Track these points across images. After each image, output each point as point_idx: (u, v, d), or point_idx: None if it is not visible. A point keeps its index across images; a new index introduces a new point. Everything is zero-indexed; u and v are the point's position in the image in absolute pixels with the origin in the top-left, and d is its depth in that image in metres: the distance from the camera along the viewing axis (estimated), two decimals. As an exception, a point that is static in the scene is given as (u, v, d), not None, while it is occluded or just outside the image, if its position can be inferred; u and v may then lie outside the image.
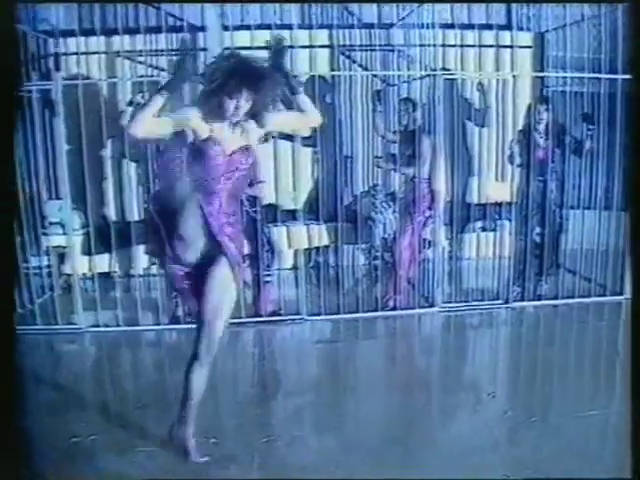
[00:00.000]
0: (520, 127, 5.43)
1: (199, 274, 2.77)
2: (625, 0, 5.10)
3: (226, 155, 2.70)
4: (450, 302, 5.32)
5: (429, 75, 5.29)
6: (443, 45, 6.01)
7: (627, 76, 5.15)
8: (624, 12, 5.15)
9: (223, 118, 2.67)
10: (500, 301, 5.35)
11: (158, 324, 4.96)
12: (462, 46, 5.99)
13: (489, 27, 5.96)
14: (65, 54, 5.54)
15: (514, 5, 6.42)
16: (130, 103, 4.94)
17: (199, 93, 2.71)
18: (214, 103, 2.63)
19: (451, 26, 5.95)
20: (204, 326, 2.79)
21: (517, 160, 5.32)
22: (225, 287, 2.77)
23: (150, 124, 2.61)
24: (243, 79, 2.57)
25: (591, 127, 5.23)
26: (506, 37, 6.09)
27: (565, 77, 5.82)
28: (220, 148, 2.68)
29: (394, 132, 5.54)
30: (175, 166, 2.78)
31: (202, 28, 6.03)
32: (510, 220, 5.57)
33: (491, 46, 6.08)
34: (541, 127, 5.27)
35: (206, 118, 2.67)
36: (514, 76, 5.54)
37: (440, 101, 5.16)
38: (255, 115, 2.72)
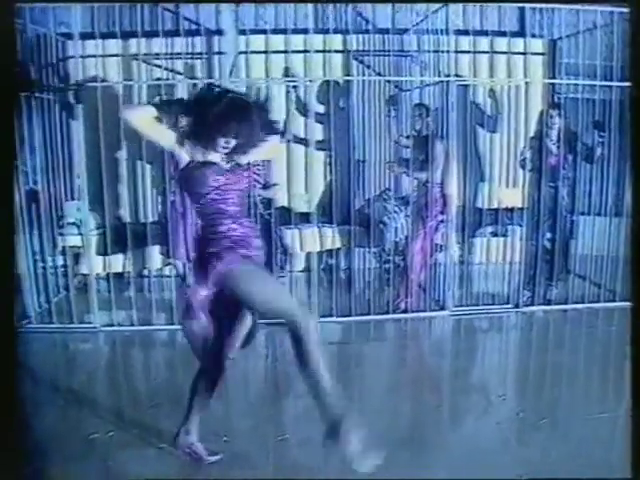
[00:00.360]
0: (532, 133, 5.49)
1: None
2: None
3: (222, 173, 2.75)
4: (461, 306, 5.38)
5: (442, 81, 5.34)
6: (456, 51, 6.09)
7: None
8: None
9: (212, 150, 2.73)
10: (510, 305, 5.40)
11: (172, 324, 5.02)
12: (475, 52, 6.04)
13: (502, 34, 5.99)
14: (83, 57, 5.60)
15: (527, 12, 6.53)
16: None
17: (187, 124, 2.75)
18: (204, 137, 2.69)
19: (464, 32, 6.02)
20: (218, 348, 2.83)
21: (529, 166, 5.37)
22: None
23: (144, 119, 2.67)
24: (234, 119, 2.65)
25: (602, 134, 5.28)
26: (519, 44, 6.18)
27: (577, 84, 5.83)
28: (215, 168, 2.74)
29: (407, 137, 5.60)
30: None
31: (218, 32, 6.14)
32: (521, 225, 5.60)
33: (504, 53, 6.09)
34: (553, 134, 5.31)
35: (195, 147, 2.73)
36: (526, 83, 5.63)
37: (453, 107, 5.22)
38: (241, 148, 2.77)
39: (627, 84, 5.20)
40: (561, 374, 4.29)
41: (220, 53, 6.02)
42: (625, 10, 5.19)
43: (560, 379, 4.22)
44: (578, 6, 5.47)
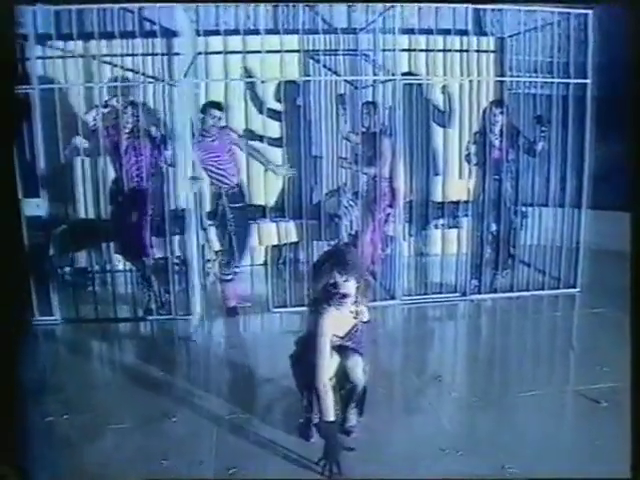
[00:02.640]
0: (476, 129, 5.73)
1: None
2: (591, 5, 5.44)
3: None
4: (410, 295, 5.60)
5: (392, 79, 5.52)
6: (409, 50, 6.33)
7: (582, 80, 5.52)
8: (580, 18, 5.49)
9: None
10: (458, 294, 5.64)
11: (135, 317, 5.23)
12: (427, 50, 6.24)
13: (454, 32, 6.22)
14: (41, 58, 5.74)
15: (480, 11, 6.77)
16: (105, 105, 5.14)
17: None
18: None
19: (416, 31, 6.22)
20: None
21: (473, 160, 5.61)
22: None
23: None
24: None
25: (544, 128, 5.51)
26: (472, 42, 6.37)
27: (524, 81, 6.05)
28: None
29: (356, 134, 5.81)
30: None
31: (175, 33, 6.27)
32: (468, 217, 5.85)
33: (457, 51, 6.33)
34: (496, 129, 5.54)
35: None
36: (477, 81, 5.84)
37: (401, 104, 5.44)
38: None
39: (572, 80, 5.50)
40: (504, 357, 4.58)
41: (178, 54, 6.13)
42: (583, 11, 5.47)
43: (500, 362, 4.51)
44: (536, 7, 5.72)
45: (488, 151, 5.52)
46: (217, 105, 5.37)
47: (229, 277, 5.42)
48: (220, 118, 5.31)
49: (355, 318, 3.17)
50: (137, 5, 5.54)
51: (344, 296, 3.01)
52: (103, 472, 3.04)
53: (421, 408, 3.67)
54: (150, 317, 5.25)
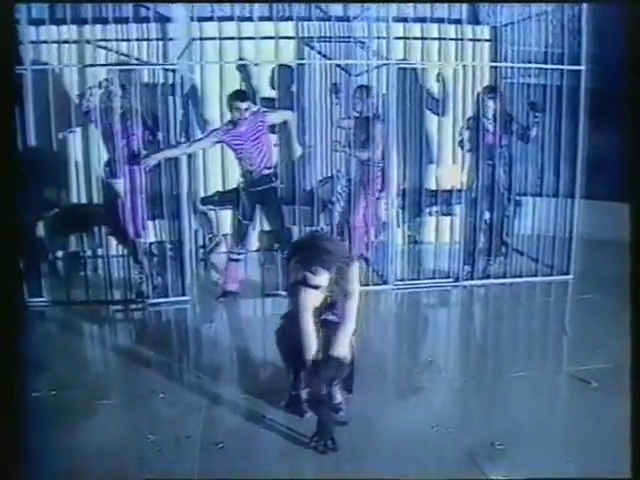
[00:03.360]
0: (470, 114, 5.73)
1: None
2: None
3: None
4: (402, 280, 5.61)
5: (386, 64, 5.51)
6: (404, 38, 6.30)
7: (576, 67, 5.52)
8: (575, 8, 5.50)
9: None
10: (451, 279, 5.65)
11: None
12: (423, 39, 6.22)
13: (449, 21, 6.24)
14: (34, 42, 5.72)
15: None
16: (99, 86, 5.13)
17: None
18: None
19: (413, 20, 6.21)
20: None
21: (467, 146, 5.61)
22: None
23: None
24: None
25: (537, 114, 5.51)
26: (466, 30, 6.39)
27: (518, 67, 6.05)
28: None
29: (349, 118, 5.81)
30: None
31: (170, 19, 6.25)
32: (461, 204, 5.85)
33: (452, 39, 6.36)
34: (489, 114, 5.55)
35: None
36: (471, 67, 5.83)
37: (394, 91, 5.44)
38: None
39: (568, 67, 5.50)
40: (496, 341, 4.62)
41: (173, 39, 6.12)
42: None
43: (492, 345, 4.55)
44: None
45: (481, 136, 5.53)
46: (240, 96, 5.21)
47: (239, 257, 5.39)
48: (247, 108, 5.14)
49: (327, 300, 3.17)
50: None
51: (316, 287, 3.04)
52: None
53: (413, 388, 3.67)
54: (142, 300, 5.23)
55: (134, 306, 5.16)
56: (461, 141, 5.70)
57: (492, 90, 5.60)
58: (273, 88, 6.15)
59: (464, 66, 5.77)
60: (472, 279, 5.69)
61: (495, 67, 6.15)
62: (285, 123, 5.71)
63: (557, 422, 3.26)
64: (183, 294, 5.25)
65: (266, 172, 5.23)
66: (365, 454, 2.96)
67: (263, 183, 5.23)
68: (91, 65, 5.42)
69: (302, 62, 6.30)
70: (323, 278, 3.03)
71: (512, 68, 6.09)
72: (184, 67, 5.59)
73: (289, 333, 3.17)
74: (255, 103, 5.65)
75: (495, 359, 4.20)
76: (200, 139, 5.48)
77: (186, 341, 4.63)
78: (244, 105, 5.11)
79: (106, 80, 5.14)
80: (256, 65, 5.56)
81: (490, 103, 5.53)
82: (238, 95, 5.20)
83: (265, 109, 5.45)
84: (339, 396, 3.33)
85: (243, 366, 4.10)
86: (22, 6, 5.47)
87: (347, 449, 2.97)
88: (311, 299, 3.07)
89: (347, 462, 2.89)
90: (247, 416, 3.32)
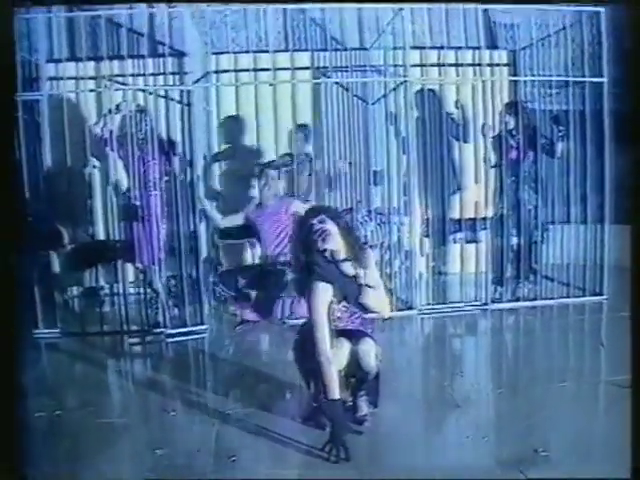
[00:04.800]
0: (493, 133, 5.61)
1: None
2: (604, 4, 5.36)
3: None
4: (429, 304, 5.40)
5: (403, 84, 5.43)
6: (421, 65, 6.22)
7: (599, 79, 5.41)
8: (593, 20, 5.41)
9: None
10: (478, 303, 5.42)
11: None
12: (440, 65, 6.14)
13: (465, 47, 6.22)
14: (53, 79, 5.78)
15: (492, 24, 6.75)
16: (116, 111, 5.12)
17: None
18: None
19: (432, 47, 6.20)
20: None
21: (491, 162, 5.48)
22: None
23: None
24: None
25: (561, 128, 5.38)
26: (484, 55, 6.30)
27: (539, 87, 5.94)
28: None
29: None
30: None
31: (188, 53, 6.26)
32: (486, 229, 5.70)
33: (468, 65, 6.29)
34: (512, 130, 5.44)
35: None
36: (490, 90, 5.72)
37: (413, 115, 5.38)
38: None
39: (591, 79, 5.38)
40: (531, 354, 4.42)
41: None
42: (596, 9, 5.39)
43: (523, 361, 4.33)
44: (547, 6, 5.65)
45: (505, 154, 5.39)
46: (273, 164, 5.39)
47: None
48: (274, 178, 5.28)
49: (358, 283, 2.98)
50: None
51: (325, 232, 2.91)
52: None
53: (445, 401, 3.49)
54: (158, 330, 5.06)
55: (150, 338, 4.99)
56: (485, 157, 5.54)
57: (513, 106, 5.48)
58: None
59: (483, 86, 5.60)
60: (501, 302, 5.45)
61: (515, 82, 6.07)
62: None
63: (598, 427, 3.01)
64: (201, 323, 5.08)
65: (280, 258, 5.16)
66: (394, 465, 2.77)
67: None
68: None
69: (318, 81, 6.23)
70: (330, 226, 2.92)
71: (533, 89, 5.99)
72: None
73: (306, 341, 2.99)
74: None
75: (531, 371, 3.98)
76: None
77: (204, 367, 4.46)
78: (275, 174, 5.22)
79: (123, 102, 5.09)
80: (271, 85, 5.50)
81: (512, 119, 5.40)
82: (271, 164, 5.36)
83: (293, 197, 5.45)
84: (365, 408, 3.13)
85: (260, 387, 3.89)
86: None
87: (373, 460, 2.81)
88: (324, 293, 2.91)
89: (375, 472, 2.69)
90: (260, 431, 3.15)
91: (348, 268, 2.95)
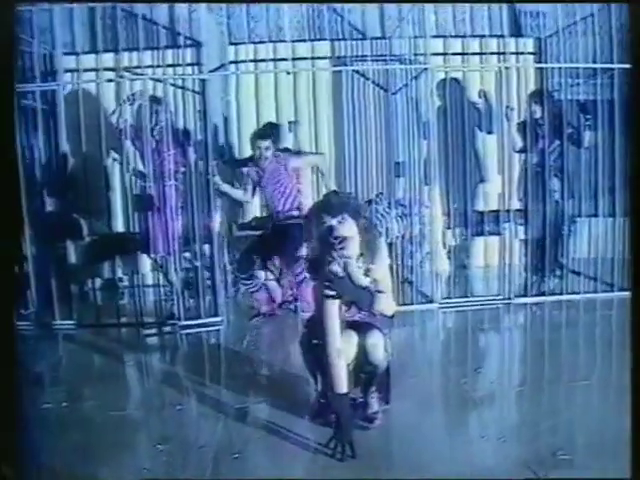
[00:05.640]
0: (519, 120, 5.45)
1: None
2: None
3: None
4: (449, 298, 5.27)
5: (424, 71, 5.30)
6: (444, 54, 6.07)
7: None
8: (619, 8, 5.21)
9: None
10: (501, 297, 5.26)
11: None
12: (464, 54, 5.99)
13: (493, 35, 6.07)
14: (69, 71, 5.73)
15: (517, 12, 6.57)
16: (132, 101, 5.07)
17: None
18: None
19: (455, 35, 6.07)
20: None
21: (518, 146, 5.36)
22: None
23: None
24: None
25: (588, 117, 5.21)
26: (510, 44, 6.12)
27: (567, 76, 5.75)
28: None
29: None
30: None
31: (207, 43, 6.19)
32: (515, 222, 5.54)
33: (494, 53, 6.11)
34: (538, 118, 5.28)
35: None
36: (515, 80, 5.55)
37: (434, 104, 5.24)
38: None
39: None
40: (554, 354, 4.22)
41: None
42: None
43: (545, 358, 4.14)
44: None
45: (531, 142, 5.24)
46: (261, 134, 5.10)
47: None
48: (268, 147, 5.01)
49: (367, 276, 2.86)
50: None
51: (344, 239, 2.76)
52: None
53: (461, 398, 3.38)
54: (174, 322, 5.00)
55: (166, 329, 4.94)
56: (510, 144, 5.38)
57: (539, 95, 5.31)
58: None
59: (508, 74, 5.41)
60: (525, 296, 5.29)
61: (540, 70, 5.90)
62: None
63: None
64: (216, 314, 5.01)
65: (291, 214, 5.03)
66: (410, 464, 2.66)
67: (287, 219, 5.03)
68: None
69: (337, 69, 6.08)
70: (350, 226, 2.79)
71: (560, 78, 5.79)
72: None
73: (314, 335, 2.89)
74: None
75: (553, 369, 3.85)
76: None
77: (219, 360, 4.39)
78: (265, 144, 4.99)
79: (138, 93, 5.04)
80: (288, 74, 5.41)
81: (537, 108, 5.24)
82: (259, 133, 5.12)
83: (290, 152, 5.32)
84: (376, 405, 3.02)
85: (271, 381, 3.82)
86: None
87: (387, 457, 2.73)
88: (333, 306, 2.80)
89: (390, 471, 2.60)
90: (268, 428, 3.06)
91: (360, 279, 2.82)
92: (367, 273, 2.84)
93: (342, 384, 2.74)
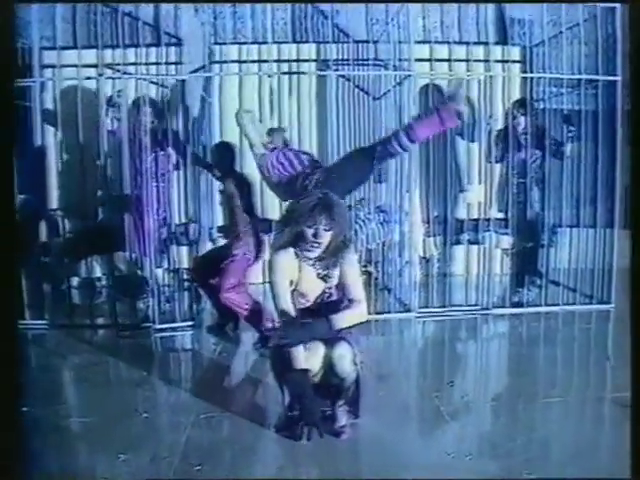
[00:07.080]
0: (498, 128, 5.43)
1: None
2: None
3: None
4: (428, 307, 5.22)
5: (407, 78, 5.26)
6: (431, 60, 6.01)
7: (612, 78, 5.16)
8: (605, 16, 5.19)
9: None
10: (479, 307, 5.23)
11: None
12: (449, 60, 5.95)
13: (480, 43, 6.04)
14: (46, 66, 5.65)
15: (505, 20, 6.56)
16: (111, 103, 4.98)
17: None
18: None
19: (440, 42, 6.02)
20: None
21: (495, 158, 5.30)
22: None
23: None
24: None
25: (572, 128, 5.17)
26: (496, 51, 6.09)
27: (551, 85, 5.73)
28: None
29: None
30: None
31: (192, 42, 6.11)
32: (495, 232, 5.47)
33: (481, 61, 6.09)
34: (520, 129, 5.23)
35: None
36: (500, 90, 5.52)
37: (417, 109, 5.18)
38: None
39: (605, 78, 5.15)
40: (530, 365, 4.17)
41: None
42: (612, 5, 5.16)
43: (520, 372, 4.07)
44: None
45: (512, 152, 5.21)
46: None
47: None
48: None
49: (324, 282, 2.88)
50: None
51: (317, 245, 2.79)
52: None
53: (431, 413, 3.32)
54: (147, 324, 4.93)
55: (139, 332, 4.86)
56: (489, 155, 5.33)
57: (522, 104, 5.27)
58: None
59: (492, 83, 5.38)
60: (504, 307, 5.25)
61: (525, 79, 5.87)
62: None
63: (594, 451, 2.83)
64: (191, 319, 4.97)
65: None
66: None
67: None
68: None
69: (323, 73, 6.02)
70: (329, 237, 2.82)
71: (545, 87, 5.77)
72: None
73: (283, 347, 2.83)
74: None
75: (527, 383, 3.75)
76: None
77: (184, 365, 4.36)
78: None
79: (117, 92, 4.95)
80: (269, 77, 5.35)
81: (521, 118, 5.20)
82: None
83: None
84: (344, 419, 2.96)
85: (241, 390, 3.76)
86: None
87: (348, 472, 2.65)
88: (290, 263, 2.86)
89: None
90: (234, 438, 2.99)
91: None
92: (325, 279, 2.85)
93: (299, 359, 2.74)
